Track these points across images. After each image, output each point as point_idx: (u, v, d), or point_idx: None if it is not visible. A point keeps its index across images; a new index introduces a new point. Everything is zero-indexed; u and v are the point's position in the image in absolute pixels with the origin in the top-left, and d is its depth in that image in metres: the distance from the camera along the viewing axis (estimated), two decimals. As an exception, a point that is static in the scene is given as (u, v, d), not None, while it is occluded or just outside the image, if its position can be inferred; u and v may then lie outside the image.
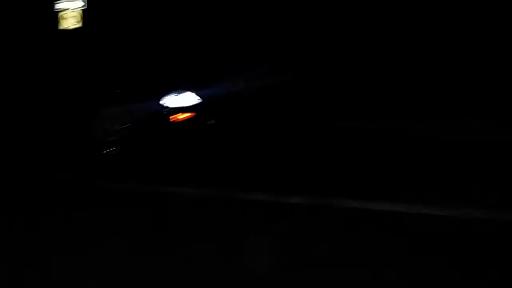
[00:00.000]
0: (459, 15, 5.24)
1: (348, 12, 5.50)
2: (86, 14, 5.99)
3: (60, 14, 5.86)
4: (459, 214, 3.02)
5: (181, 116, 4.62)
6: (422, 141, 4.39)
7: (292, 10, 5.45)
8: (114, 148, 4.61)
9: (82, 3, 6.08)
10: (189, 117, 4.72)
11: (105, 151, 4.62)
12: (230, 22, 5.37)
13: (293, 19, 5.43)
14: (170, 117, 4.59)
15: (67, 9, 5.88)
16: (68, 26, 5.81)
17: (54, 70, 5.49)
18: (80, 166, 4.60)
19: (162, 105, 4.64)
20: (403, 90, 5.07)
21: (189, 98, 4.91)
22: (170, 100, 4.85)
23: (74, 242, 2.97)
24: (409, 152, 4.18)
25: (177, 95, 4.89)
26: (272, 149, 4.47)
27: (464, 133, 4.44)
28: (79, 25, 5.98)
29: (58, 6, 5.92)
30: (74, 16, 5.95)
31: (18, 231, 3.22)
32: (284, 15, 5.41)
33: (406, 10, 5.36)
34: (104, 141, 4.67)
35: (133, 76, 5.07)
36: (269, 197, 3.57)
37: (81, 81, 5.19)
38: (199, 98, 4.93)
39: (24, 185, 4.17)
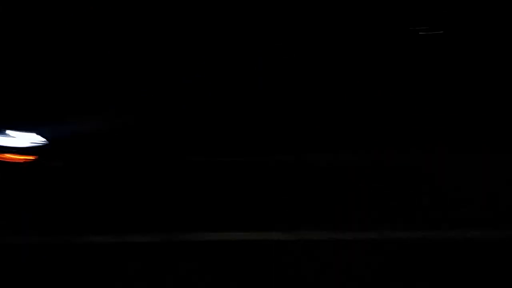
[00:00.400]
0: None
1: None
2: None
3: None
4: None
5: (16, 157, 4.02)
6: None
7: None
8: None
9: None
10: (28, 160, 4.13)
11: None
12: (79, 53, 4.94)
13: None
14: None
15: None
16: None
17: None
18: None
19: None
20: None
21: (27, 139, 4.34)
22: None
23: None
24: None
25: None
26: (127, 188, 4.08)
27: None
28: None
29: None
30: None
31: None
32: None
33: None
34: None
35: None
36: (114, 239, 3.29)
37: None
38: (44, 139, 4.38)
39: None
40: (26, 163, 4.16)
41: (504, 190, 3.89)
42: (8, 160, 3.98)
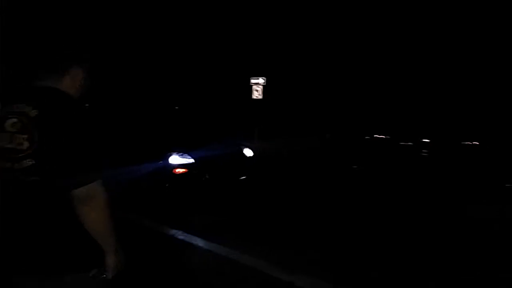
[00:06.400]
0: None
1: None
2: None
3: None
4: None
5: (179, 170, 6.22)
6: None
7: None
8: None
9: None
10: (184, 172, 6.31)
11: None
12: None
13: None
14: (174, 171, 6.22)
15: None
16: None
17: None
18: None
19: (167, 162, 6.27)
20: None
21: (181, 159, 6.53)
22: (173, 159, 6.48)
23: None
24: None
25: (176, 156, 6.50)
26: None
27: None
28: None
29: None
30: None
31: None
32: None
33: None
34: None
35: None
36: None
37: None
38: (192, 158, 6.55)
39: None
40: (182, 174, 6.34)
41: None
42: (175, 172, 6.19)
